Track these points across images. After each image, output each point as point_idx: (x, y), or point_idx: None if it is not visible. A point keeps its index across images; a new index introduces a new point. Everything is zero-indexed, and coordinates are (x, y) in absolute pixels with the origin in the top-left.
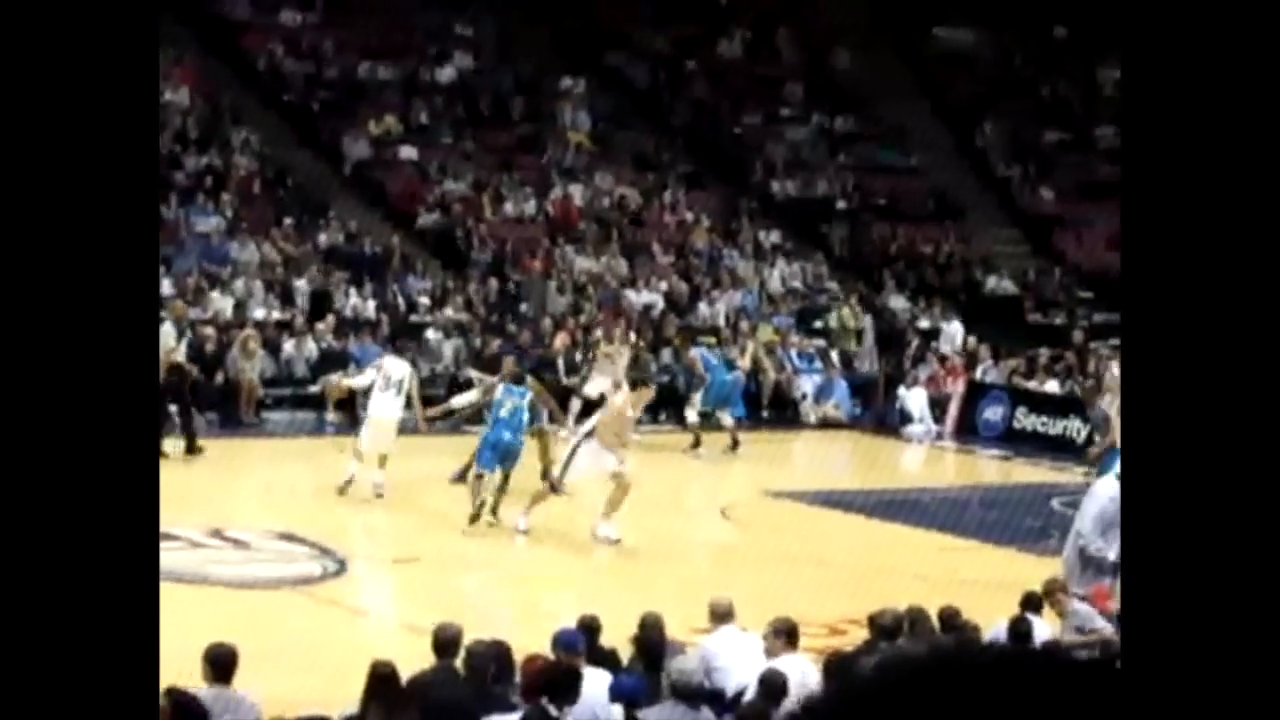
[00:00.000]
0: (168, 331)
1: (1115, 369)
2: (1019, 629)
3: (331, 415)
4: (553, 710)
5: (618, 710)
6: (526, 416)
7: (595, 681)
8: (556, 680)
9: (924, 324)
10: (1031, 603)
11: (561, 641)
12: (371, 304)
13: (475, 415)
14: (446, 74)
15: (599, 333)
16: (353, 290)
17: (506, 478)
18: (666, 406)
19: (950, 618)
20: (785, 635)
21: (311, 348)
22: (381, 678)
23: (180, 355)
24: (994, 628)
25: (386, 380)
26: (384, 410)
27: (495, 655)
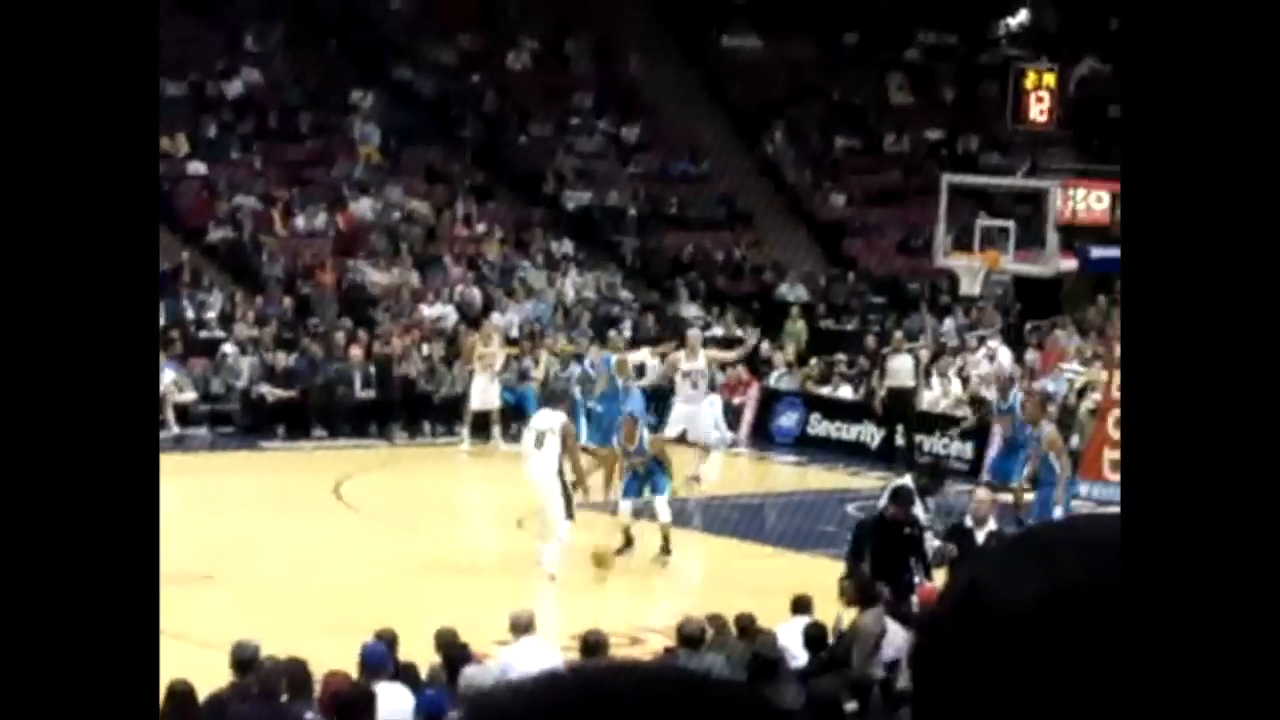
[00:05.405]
0: None
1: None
2: (811, 634)
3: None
4: None
5: None
6: None
7: (395, 697)
8: (351, 702)
9: (717, 331)
10: (801, 606)
11: (368, 657)
12: (162, 320)
13: None
14: (234, 89)
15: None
16: None
17: None
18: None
19: (748, 624)
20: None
21: None
22: (178, 697)
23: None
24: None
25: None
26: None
27: (288, 672)
